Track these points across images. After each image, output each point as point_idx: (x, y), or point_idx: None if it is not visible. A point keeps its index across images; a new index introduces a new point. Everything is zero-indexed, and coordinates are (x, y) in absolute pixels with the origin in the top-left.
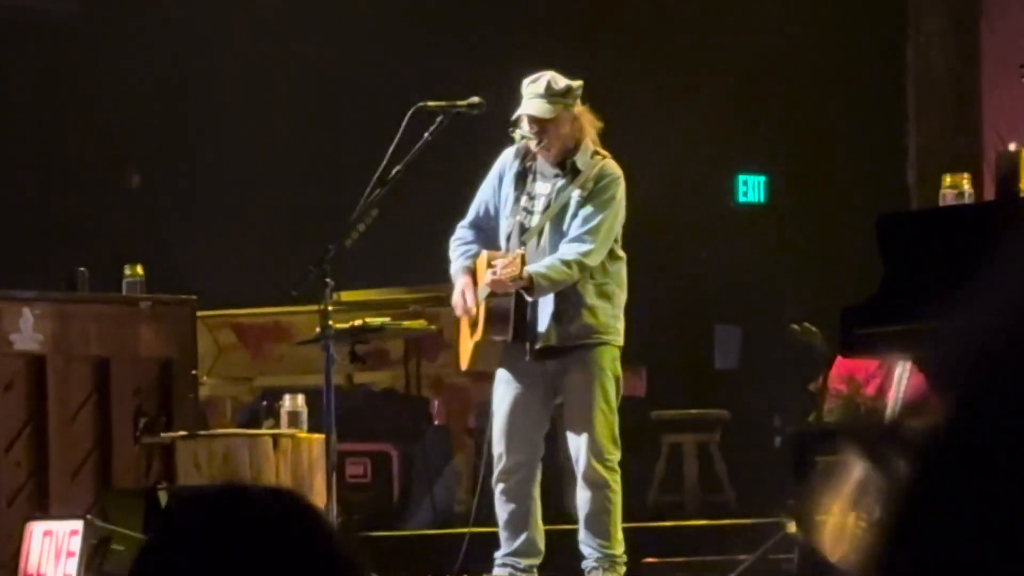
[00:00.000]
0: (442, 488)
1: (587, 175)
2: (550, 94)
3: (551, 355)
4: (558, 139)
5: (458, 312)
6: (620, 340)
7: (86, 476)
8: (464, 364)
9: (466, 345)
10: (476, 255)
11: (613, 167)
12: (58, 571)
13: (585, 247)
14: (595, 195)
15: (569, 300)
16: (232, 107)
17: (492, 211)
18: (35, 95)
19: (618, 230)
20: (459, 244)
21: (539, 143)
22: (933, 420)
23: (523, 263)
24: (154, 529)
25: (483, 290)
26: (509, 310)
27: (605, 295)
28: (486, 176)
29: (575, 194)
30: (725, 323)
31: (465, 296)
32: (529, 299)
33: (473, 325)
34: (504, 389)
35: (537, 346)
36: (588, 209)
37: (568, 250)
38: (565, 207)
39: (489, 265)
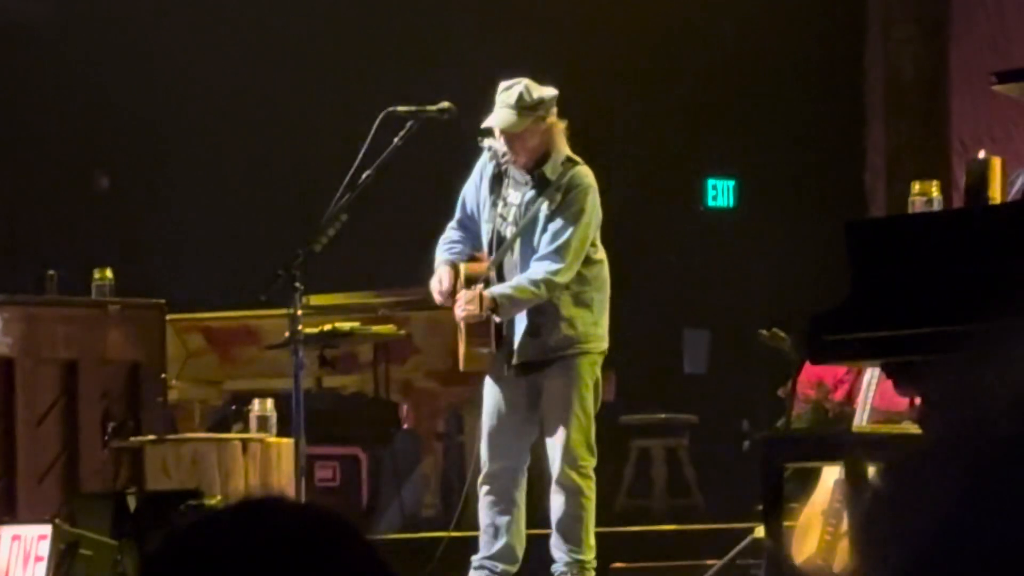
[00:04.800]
0: (410, 492)
1: (556, 185)
2: (520, 106)
3: (532, 368)
4: (526, 151)
5: (436, 297)
6: (602, 345)
7: (54, 480)
8: (461, 365)
9: (461, 347)
10: (460, 253)
11: (583, 175)
12: None
13: (555, 266)
14: (564, 208)
15: (546, 313)
16: (202, 111)
17: (474, 211)
18: (4, 98)
19: (592, 237)
20: (445, 242)
21: (508, 153)
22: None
23: (482, 300)
24: (163, 548)
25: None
26: (487, 324)
27: (583, 303)
28: (461, 177)
29: (544, 207)
30: (694, 327)
31: (441, 280)
32: (497, 319)
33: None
34: (490, 396)
35: (514, 361)
36: (557, 223)
37: (538, 268)
38: (535, 220)
39: (467, 282)
